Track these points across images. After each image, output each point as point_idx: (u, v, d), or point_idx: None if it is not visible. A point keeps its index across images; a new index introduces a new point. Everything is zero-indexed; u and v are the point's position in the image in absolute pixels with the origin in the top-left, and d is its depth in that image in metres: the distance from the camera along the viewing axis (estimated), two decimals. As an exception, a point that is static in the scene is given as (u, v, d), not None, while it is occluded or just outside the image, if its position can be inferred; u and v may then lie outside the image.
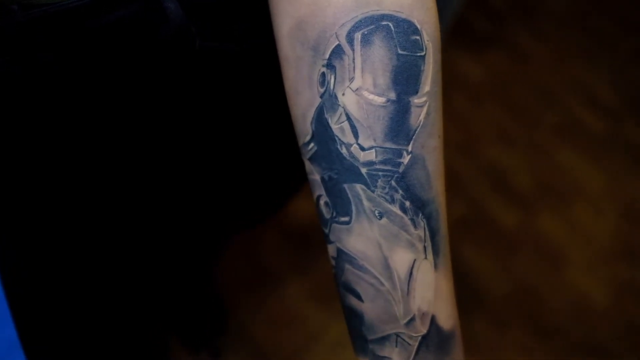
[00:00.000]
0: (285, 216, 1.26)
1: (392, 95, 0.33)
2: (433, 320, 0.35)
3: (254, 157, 0.54)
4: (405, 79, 0.33)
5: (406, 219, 0.34)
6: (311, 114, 0.35)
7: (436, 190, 0.35)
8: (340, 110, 0.34)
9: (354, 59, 0.33)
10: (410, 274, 0.34)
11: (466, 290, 1.30)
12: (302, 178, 0.64)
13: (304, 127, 0.36)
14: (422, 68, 0.34)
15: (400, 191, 0.34)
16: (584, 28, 1.80)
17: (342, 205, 0.35)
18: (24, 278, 0.57)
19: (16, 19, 0.35)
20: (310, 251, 1.29)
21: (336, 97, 0.34)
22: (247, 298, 1.23)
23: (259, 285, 1.25)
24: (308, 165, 0.36)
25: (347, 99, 0.33)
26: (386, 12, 0.33)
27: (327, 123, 0.34)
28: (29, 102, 0.40)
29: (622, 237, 1.45)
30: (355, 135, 0.34)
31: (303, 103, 0.35)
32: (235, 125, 0.49)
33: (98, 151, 0.45)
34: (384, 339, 0.35)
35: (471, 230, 1.38)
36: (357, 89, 0.33)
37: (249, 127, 0.50)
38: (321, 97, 0.34)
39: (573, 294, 1.36)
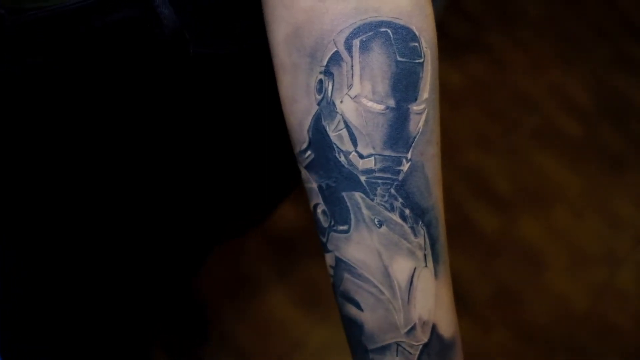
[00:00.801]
0: (266, 222, 1.25)
1: (391, 103, 0.33)
2: (434, 328, 0.35)
3: (248, 163, 0.54)
4: (404, 86, 0.33)
5: (406, 227, 0.34)
6: (308, 121, 0.34)
7: (435, 197, 0.35)
8: (339, 117, 0.33)
9: (352, 66, 0.33)
10: (411, 282, 0.34)
11: (448, 295, 1.30)
12: (295, 184, 0.64)
13: (301, 135, 0.35)
14: (420, 75, 0.34)
15: (400, 199, 0.34)
16: (560, 34, 1.83)
17: (340, 214, 0.34)
18: (4, 284, 0.55)
19: (5, 24, 0.34)
20: (293, 257, 1.29)
21: (334, 105, 0.33)
22: (229, 305, 1.22)
23: (241, 292, 1.24)
24: (305, 174, 0.36)
25: (346, 107, 0.33)
26: (385, 18, 0.33)
27: (325, 131, 0.34)
28: (23, 106, 0.39)
29: (600, 240, 1.48)
30: (354, 142, 0.33)
31: (299, 111, 0.35)
32: (229, 132, 0.48)
33: (92, 155, 0.44)
34: (384, 349, 0.35)
35: (451, 235, 1.39)
36: (355, 96, 0.33)
37: (242, 134, 0.49)
38: (318, 104, 0.34)
39: (553, 297, 1.37)
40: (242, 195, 0.59)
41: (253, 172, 0.56)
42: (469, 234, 1.42)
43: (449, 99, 1.60)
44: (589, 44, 1.82)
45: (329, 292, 1.29)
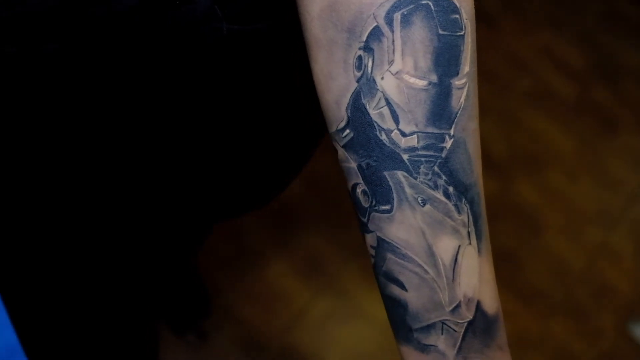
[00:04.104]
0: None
1: (434, 78, 0.32)
2: (478, 305, 0.35)
3: (259, 144, 0.53)
4: (446, 61, 0.32)
5: (450, 204, 0.33)
6: (346, 99, 0.33)
7: (477, 173, 0.35)
8: (379, 95, 0.32)
9: (393, 41, 0.32)
10: (455, 260, 0.34)
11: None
12: (302, 166, 0.63)
13: (338, 113, 0.34)
14: (461, 48, 0.33)
15: (444, 177, 0.33)
16: (551, -6, 1.81)
17: (382, 194, 0.34)
18: (19, 282, 0.55)
19: (26, 8, 0.32)
20: (292, 228, 1.29)
21: (374, 82, 0.32)
22: (230, 278, 1.22)
23: (242, 264, 1.24)
24: (342, 153, 0.35)
25: (387, 83, 0.32)
26: None
27: (365, 109, 0.33)
28: (38, 93, 0.38)
29: (595, 200, 1.49)
30: (396, 120, 0.33)
31: (337, 88, 0.34)
32: (249, 111, 0.47)
33: (110, 143, 0.43)
34: (429, 327, 0.34)
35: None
36: (397, 73, 0.32)
37: (261, 113, 0.48)
38: (357, 81, 0.33)
39: (551, 258, 1.39)
40: (250, 177, 0.58)
41: (264, 153, 0.55)
42: (465, 198, 1.42)
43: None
44: (580, 3, 1.81)
45: (329, 262, 1.29)
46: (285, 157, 0.58)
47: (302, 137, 0.55)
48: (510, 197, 1.44)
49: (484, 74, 1.61)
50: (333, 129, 0.35)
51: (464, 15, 0.33)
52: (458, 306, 0.34)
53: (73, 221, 0.52)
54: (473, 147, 0.34)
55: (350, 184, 0.35)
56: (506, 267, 1.34)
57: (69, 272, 0.59)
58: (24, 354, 0.50)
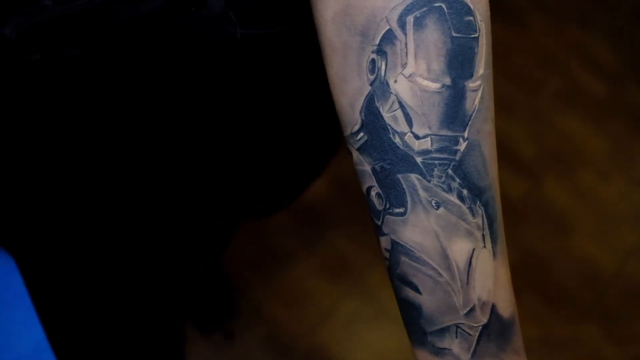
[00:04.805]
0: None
1: (447, 81, 0.32)
2: (493, 309, 0.34)
3: (279, 145, 0.53)
4: (460, 63, 0.32)
5: (464, 207, 0.33)
6: (360, 102, 0.34)
7: (492, 176, 0.34)
8: (393, 98, 0.32)
9: (406, 44, 0.32)
10: (470, 263, 0.34)
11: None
12: (324, 165, 0.63)
13: (352, 116, 0.34)
14: (475, 50, 0.33)
15: (458, 179, 0.33)
16: (582, -9, 1.78)
17: (396, 197, 0.34)
18: (48, 281, 0.56)
19: (49, 15, 0.33)
20: (319, 229, 1.29)
21: (388, 85, 0.32)
22: (257, 278, 1.23)
23: (269, 265, 1.24)
24: (356, 156, 0.35)
25: (400, 86, 0.32)
26: None
27: (378, 112, 0.33)
28: (60, 95, 0.39)
29: (627, 201, 1.46)
30: (409, 123, 0.33)
31: (351, 91, 0.34)
32: (265, 112, 0.47)
33: (135, 145, 0.44)
34: (443, 331, 0.34)
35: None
36: (410, 75, 0.32)
37: (278, 114, 0.49)
38: (371, 84, 0.33)
39: (581, 260, 1.36)
40: (273, 177, 0.59)
41: (284, 153, 0.55)
42: (494, 199, 1.40)
43: (469, 63, 1.57)
44: (611, 0, 1.77)
45: (356, 263, 1.29)
46: (305, 156, 0.58)
47: (321, 137, 0.55)
48: (540, 198, 1.42)
49: (513, 73, 1.59)
50: (347, 132, 0.35)
51: (478, 17, 0.33)
52: (472, 310, 0.34)
53: (100, 220, 0.53)
54: (488, 149, 0.34)
55: (365, 186, 0.35)
56: (535, 269, 1.32)
57: (96, 271, 0.60)
58: (52, 351, 0.51)
